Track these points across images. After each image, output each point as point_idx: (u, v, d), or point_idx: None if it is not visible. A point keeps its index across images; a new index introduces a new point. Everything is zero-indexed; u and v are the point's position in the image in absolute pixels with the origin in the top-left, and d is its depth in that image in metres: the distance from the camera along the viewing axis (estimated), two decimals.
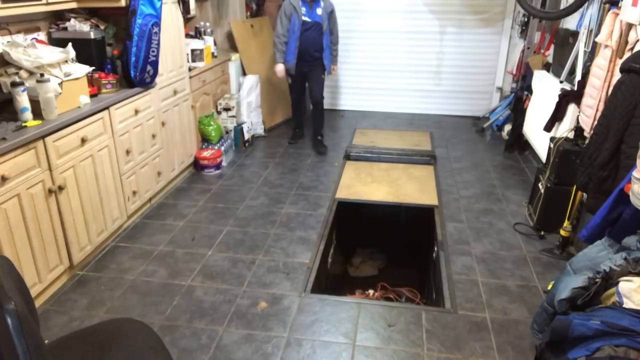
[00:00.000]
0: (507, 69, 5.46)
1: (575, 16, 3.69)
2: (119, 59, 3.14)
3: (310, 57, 4.45)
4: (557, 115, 3.42)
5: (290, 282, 2.69)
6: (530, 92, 4.23)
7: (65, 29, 2.99)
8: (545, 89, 3.83)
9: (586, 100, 2.91)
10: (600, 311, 1.74)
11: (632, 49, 2.53)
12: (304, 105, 5.10)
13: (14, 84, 2.34)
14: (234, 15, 5.09)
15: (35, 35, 2.88)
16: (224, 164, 4.24)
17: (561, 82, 3.71)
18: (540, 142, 3.80)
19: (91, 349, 1.47)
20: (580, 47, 3.45)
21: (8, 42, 2.59)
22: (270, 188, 3.87)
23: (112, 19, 3.25)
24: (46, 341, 1.36)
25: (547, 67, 4.38)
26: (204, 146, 4.23)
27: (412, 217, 3.83)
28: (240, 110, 4.61)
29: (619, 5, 2.67)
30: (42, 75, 2.46)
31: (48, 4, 2.68)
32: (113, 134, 2.93)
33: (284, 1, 4.26)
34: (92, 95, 2.85)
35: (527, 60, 4.58)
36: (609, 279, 1.84)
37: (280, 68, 4.50)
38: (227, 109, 4.52)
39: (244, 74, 5.00)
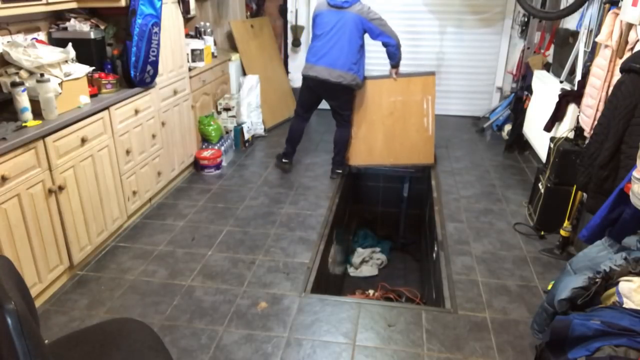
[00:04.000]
0: (507, 69, 5.46)
1: (575, 16, 3.70)
2: (119, 59, 3.14)
3: None
4: (557, 115, 3.42)
5: (290, 282, 2.69)
6: (530, 92, 4.23)
7: (65, 29, 2.99)
8: (545, 89, 3.83)
9: (586, 100, 2.91)
10: (600, 311, 1.74)
11: (632, 49, 2.53)
12: None
13: (14, 84, 2.34)
14: (234, 15, 5.09)
15: (35, 35, 2.88)
16: (224, 164, 4.24)
17: (561, 82, 3.71)
18: (540, 142, 3.80)
19: (91, 349, 1.47)
20: (580, 47, 3.45)
21: (8, 42, 2.59)
22: (270, 188, 3.87)
23: (112, 19, 3.25)
24: (46, 341, 1.36)
25: (547, 67, 4.38)
26: (204, 146, 4.23)
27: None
28: (240, 110, 4.61)
29: (619, 5, 2.67)
30: (42, 75, 2.46)
31: (48, 4, 2.68)
32: (113, 134, 2.93)
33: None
34: (92, 95, 2.85)
35: (527, 60, 4.58)
36: (609, 279, 1.84)
37: None
38: (227, 109, 4.52)
39: (244, 74, 5.00)
